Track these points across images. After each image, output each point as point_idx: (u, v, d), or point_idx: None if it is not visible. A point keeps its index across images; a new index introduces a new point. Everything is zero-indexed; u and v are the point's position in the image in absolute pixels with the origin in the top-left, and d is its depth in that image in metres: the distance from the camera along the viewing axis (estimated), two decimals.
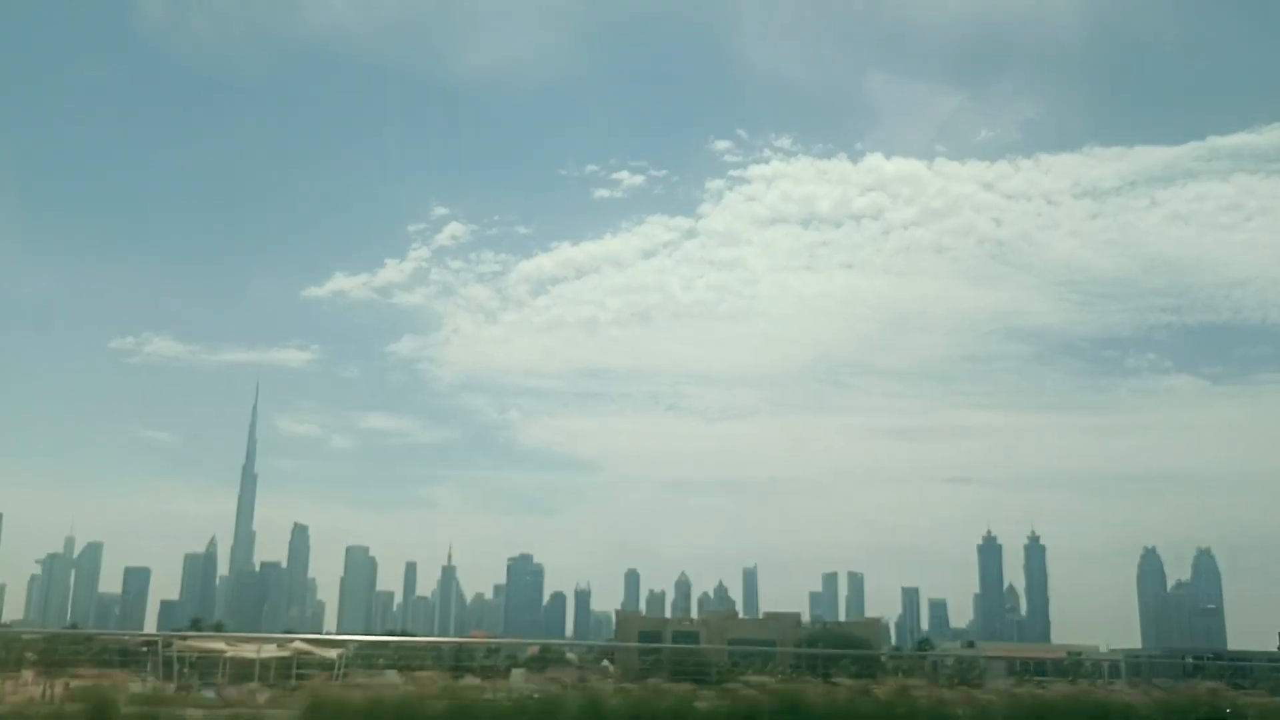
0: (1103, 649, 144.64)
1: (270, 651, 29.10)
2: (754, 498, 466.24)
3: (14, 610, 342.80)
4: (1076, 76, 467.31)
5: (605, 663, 52.97)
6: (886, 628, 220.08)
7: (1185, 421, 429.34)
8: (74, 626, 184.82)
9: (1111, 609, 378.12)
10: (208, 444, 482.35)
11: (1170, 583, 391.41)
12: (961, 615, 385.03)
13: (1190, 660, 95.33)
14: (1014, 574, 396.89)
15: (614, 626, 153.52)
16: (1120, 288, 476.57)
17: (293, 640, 28.85)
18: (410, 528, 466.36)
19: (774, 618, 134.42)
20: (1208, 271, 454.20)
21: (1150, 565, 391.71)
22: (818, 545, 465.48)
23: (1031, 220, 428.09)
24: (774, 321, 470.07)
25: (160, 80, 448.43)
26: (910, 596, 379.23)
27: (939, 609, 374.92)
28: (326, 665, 26.76)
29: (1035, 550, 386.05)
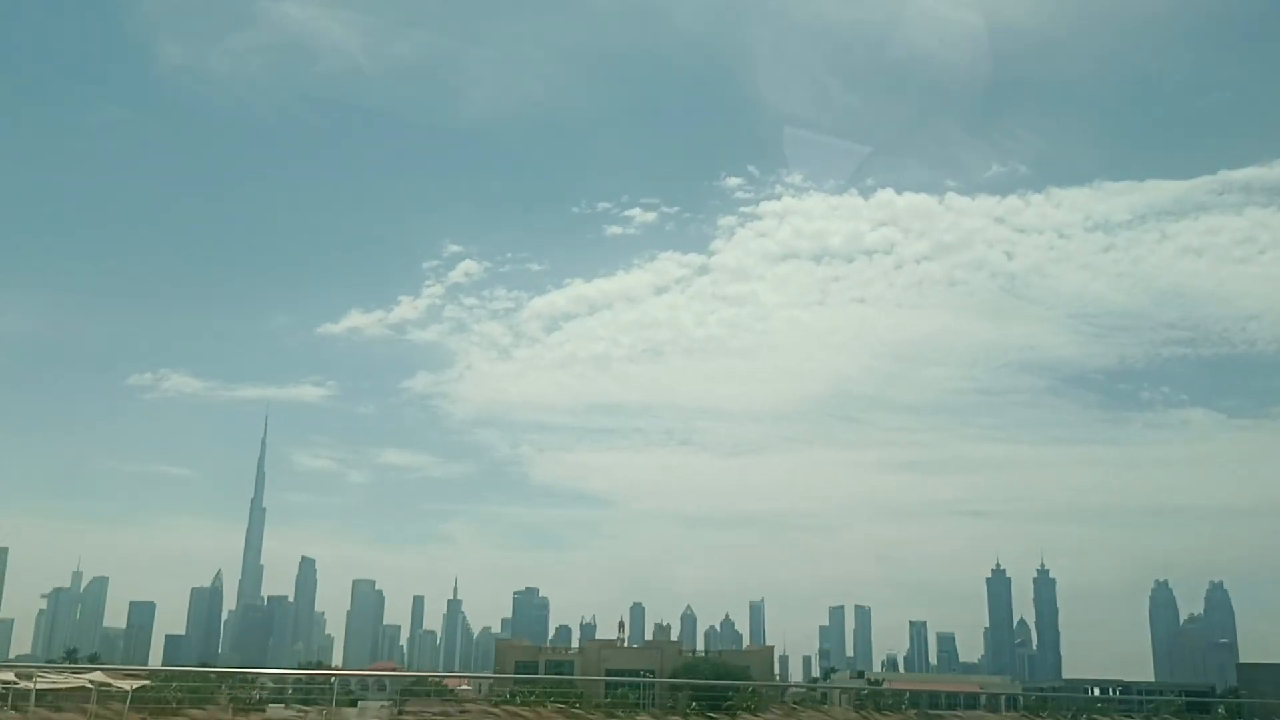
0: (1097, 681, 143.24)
1: (62, 683, 28.35)
2: (766, 532, 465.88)
3: (21, 645, 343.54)
4: (1086, 111, 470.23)
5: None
6: (786, 658, 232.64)
7: (1200, 454, 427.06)
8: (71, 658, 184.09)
9: (1124, 643, 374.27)
10: (220, 479, 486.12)
11: (1183, 616, 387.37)
12: (973, 649, 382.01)
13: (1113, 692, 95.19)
14: (1024, 608, 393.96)
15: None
16: (1133, 320, 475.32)
17: (93, 671, 28.31)
18: (424, 562, 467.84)
19: (654, 646, 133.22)
20: (1221, 304, 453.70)
21: (1162, 598, 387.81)
22: (828, 579, 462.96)
23: (1043, 254, 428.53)
24: (786, 356, 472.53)
25: (179, 122, 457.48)
26: (918, 630, 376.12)
27: (947, 642, 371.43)
28: (120, 697, 26.04)
29: (1045, 583, 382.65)
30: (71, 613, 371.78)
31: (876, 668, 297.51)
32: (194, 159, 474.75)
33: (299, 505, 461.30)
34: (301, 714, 16.57)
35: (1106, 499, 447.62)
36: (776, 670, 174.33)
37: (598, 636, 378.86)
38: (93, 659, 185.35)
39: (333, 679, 33.11)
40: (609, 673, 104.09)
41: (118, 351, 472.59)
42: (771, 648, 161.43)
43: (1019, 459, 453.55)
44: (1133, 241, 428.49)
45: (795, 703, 30.90)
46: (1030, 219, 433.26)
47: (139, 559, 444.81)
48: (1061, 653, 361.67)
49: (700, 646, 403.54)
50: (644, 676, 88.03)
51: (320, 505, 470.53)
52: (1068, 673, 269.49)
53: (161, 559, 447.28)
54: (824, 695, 35.05)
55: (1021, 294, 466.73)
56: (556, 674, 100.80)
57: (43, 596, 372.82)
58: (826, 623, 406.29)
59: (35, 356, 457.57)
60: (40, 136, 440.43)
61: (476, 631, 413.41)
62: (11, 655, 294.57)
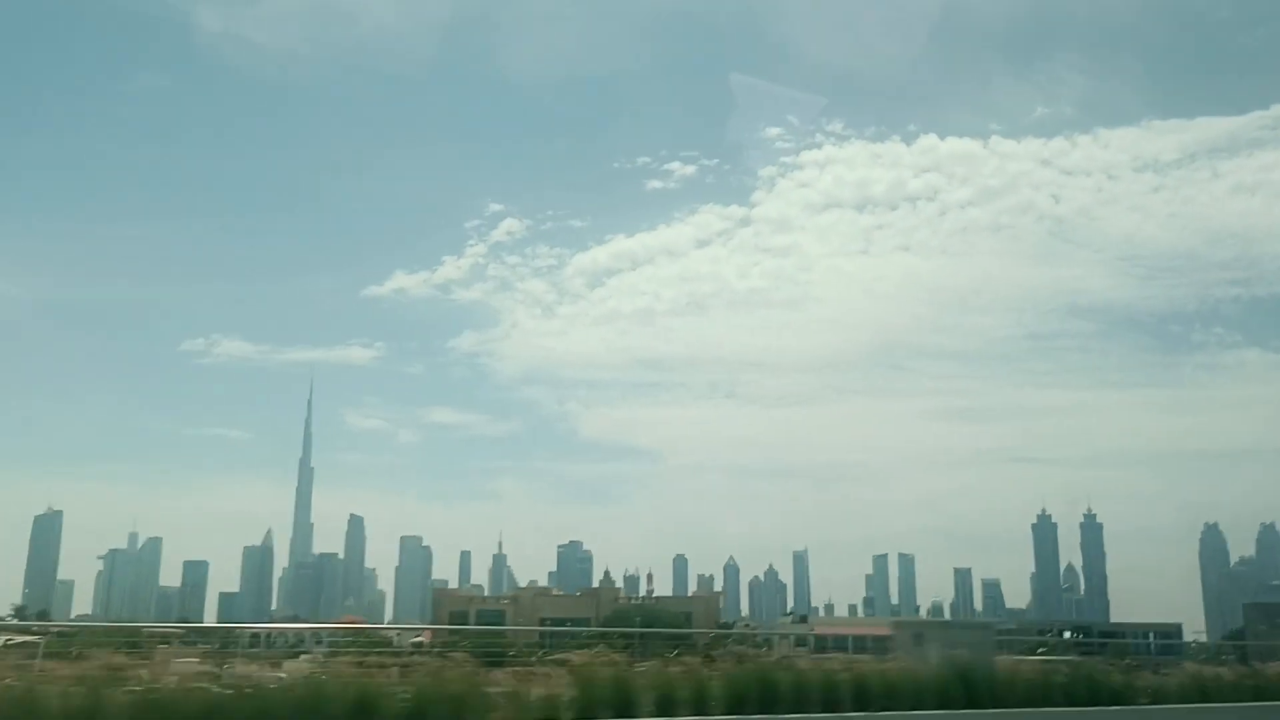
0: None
1: None
2: (812, 483, 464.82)
3: (82, 605, 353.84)
4: (1132, 48, 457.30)
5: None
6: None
7: (1253, 396, 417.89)
8: (132, 619, 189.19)
9: (1173, 586, 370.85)
10: (271, 441, 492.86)
11: (1234, 559, 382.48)
12: (1019, 596, 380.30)
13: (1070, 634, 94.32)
14: (1071, 553, 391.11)
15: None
16: (1184, 261, 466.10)
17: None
18: (473, 518, 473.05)
19: (591, 594, 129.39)
20: (1277, 242, 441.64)
21: (1212, 541, 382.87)
22: (873, 528, 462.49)
23: (1091, 196, 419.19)
24: (830, 307, 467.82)
25: (220, 89, 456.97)
26: (963, 577, 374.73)
27: (992, 589, 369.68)
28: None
29: (1091, 528, 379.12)
30: (128, 573, 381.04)
31: (922, 614, 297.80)
32: (235, 126, 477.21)
33: (352, 465, 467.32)
34: (199, 663, 16.25)
35: (1157, 443, 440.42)
36: (735, 615, 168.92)
37: (642, 589, 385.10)
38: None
39: (269, 632, 33.50)
40: (543, 621, 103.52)
41: (170, 317, 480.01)
42: (718, 594, 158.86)
43: (1068, 404, 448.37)
44: (1183, 181, 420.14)
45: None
46: (1077, 161, 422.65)
47: (193, 519, 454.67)
48: (1109, 597, 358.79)
49: (745, 598, 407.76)
50: (579, 624, 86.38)
51: (373, 464, 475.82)
52: (1116, 617, 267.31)
53: (214, 519, 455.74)
54: (765, 640, 34.67)
55: (1069, 237, 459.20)
56: (489, 624, 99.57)
57: (99, 558, 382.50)
58: (871, 571, 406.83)
59: (90, 324, 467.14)
60: (84, 106, 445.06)
61: (523, 584, 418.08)
62: (73, 615, 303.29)
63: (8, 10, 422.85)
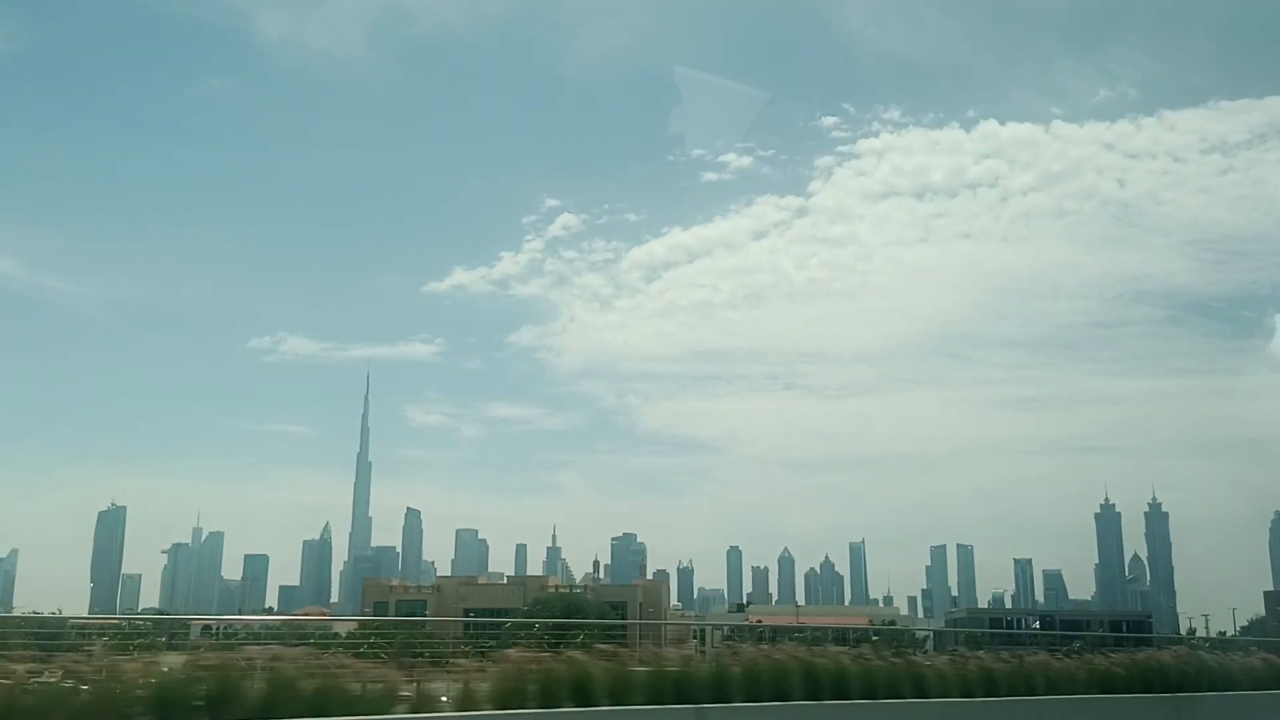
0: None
1: None
2: (872, 474, 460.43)
3: (149, 598, 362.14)
4: (1198, 27, 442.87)
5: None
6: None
7: None
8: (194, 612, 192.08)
9: (1242, 576, 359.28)
10: (332, 436, 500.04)
11: None
12: (1083, 587, 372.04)
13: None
14: (1136, 543, 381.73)
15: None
16: (1255, 244, 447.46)
17: None
18: (537, 512, 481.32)
19: (519, 583, 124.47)
20: None
21: None
22: (933, 519, 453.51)
23: (1157, 179, 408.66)
24: (890, 296, 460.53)
25: (282, 92, 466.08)
26: (1023, 568, 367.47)
27: (1054, 580, 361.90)
28: None
29: (1156, 518, 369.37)
30: (191, 566, 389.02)
31: (982, 605, 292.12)
32: (298, 127, 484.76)
33: (415, 459, 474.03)
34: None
35: (1226, 430, 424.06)
36: (677, 604, 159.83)
37: (696, 581, 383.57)
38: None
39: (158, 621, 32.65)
40: (467, 611, 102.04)
41: (238, 317, 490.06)
42: (663, 582, 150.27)
43: (1136, 392, 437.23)
44: (1253, 162, 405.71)
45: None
46: (1142, 143, 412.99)
47: (254, 514, 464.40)
48: (1176, 587, 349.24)
49: (802, 589, 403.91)
50: (504, 615, 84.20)
51: (436, 459, 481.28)
52: (1183, 607, 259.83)
53: (276, 513, 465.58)
54: (699, 632, 32.83)
55: (1135, 222, 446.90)
56: (409, 614, 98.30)
57: (163, 552, 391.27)
58: (929, 563, 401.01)
59: (160, 324, 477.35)
60: (152, 112, 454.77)
61: (579, 576, 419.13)
62: (140, 608, 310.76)
63: (76, 21, 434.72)
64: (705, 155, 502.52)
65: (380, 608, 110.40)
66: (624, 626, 32.03)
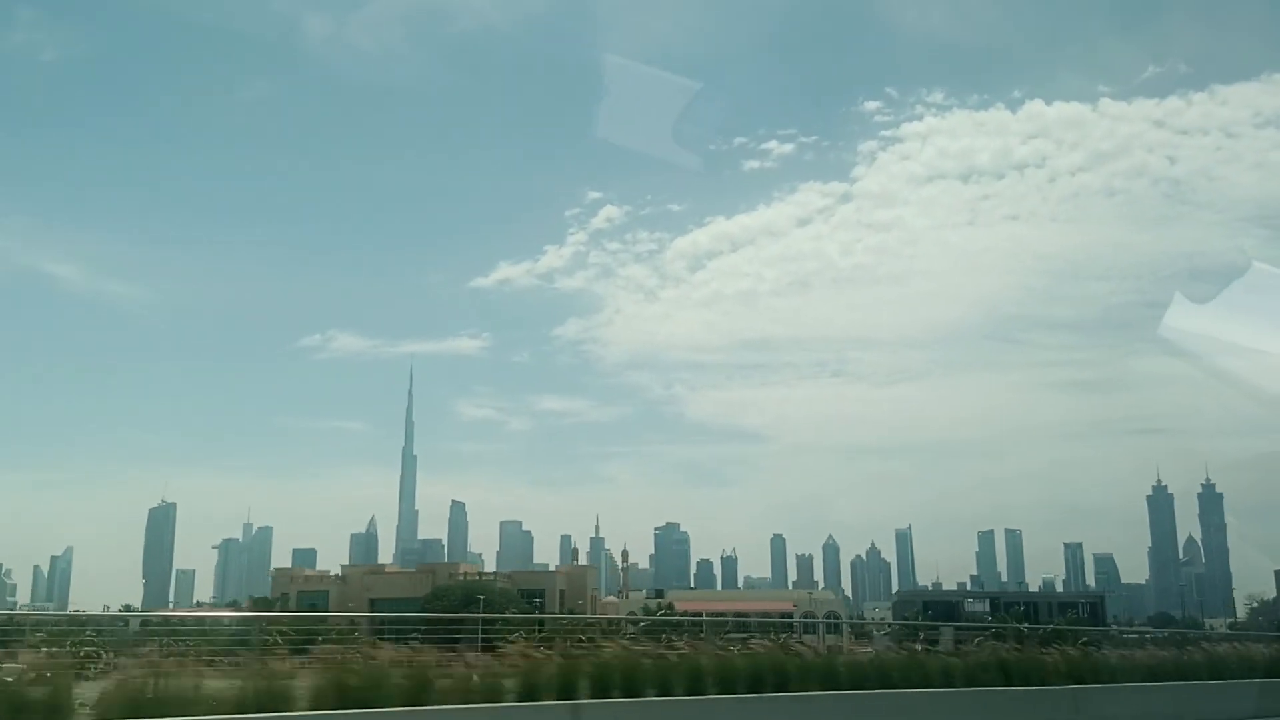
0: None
1: None
2: (923, 460, 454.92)
3: (203, 592, 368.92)
4: None
5: None
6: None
7: None
8: (232, 604, 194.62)
9: None
10: (380, 431, 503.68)
11: None
12: (1137, 570, 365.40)
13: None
14: (1190, 525, 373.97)
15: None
16: None
17: None
18: (587, 504, 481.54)
19: (427, 571, 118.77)
20: None
21: None
22: (983, 504, 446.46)
23: (1210, 155, 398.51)
24: (937, 281, 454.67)
25: (327, 94, 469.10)
26: (1073, 552, 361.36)
27: (1105, 563, 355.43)
28: None
29: (1210, 499, 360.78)
30: (241, 561, 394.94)
31: (1033, 589, 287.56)
32: (344, 129, 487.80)
33: (465, 453, 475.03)
34: None
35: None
36: (602, 592, 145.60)
37: (740, 569, 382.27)
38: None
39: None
40: (373, 602, 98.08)
41: (289, 316, 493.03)
42: (589, 568, 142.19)
43: (1189, 372, 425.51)
44: None
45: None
46: (1193, 119, 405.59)
47: (304, 509, 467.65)
48: (1232, 569, 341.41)
49: (847, 577, 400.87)
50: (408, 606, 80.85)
51: (486, 453, 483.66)
52: (1239, 586, 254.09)
53: (324, 508, 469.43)
54: (610, 624, 31.79)
55: (1187, 199, 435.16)
56: (309, 606, 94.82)
57: (214, 548, 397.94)
58: (978, 548, 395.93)
59: (213, 324, 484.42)
60: (200, 116, 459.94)
61: (623, 567, 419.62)
62: (194, 602, 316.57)
63: (125, 29, 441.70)
64: (747, 143, 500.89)
65: (284, 600, 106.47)
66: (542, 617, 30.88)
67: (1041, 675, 18.17)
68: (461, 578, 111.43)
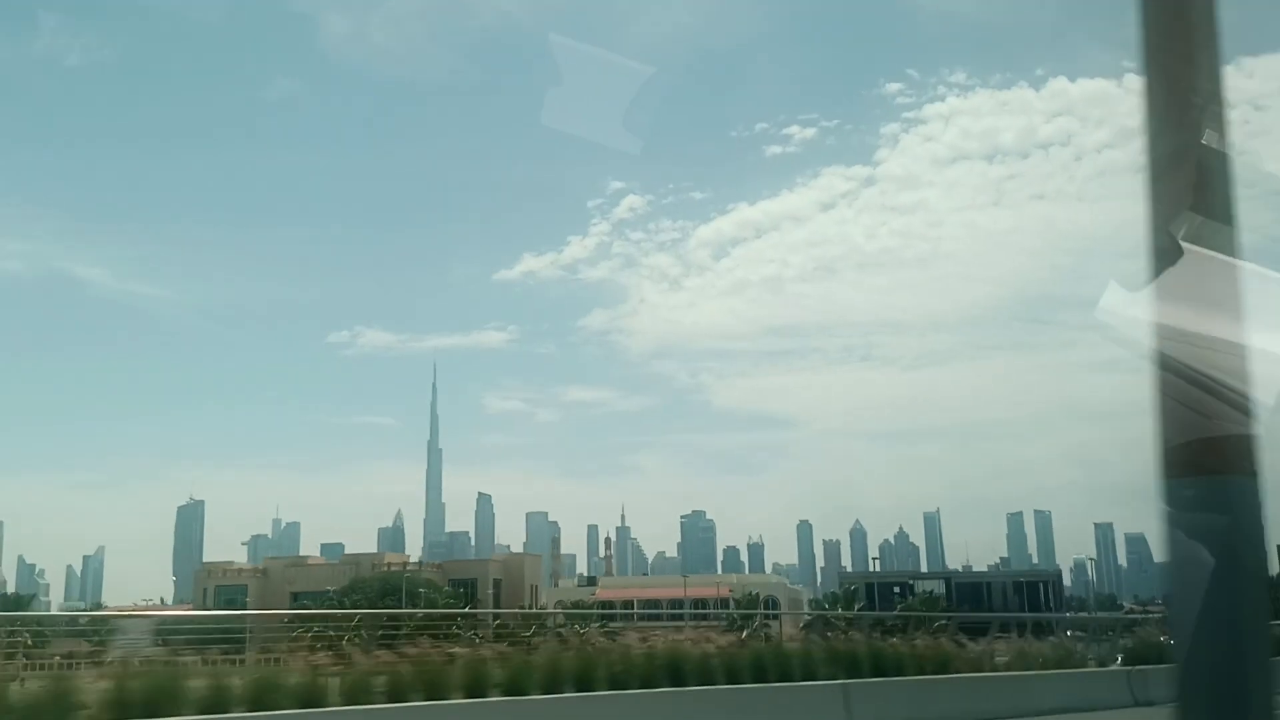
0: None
1: None
2: (952, 443, 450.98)
3: None
4: None
5: None
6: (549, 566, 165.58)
7: None
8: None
9: None
10: (408, 426, 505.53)
11: None
12: None
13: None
14: None
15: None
16: None
17: None
18: (615, 494, 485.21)
19: (351, 562, 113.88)
20: None
21: None
22: (1013, 486, 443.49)
23: (1238, 128, 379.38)
24: (964, 262, 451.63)
25: (349, 91, 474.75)
26: (1104, 532, 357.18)
27: (1137, 543, 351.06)
28: None
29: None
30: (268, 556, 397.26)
31: (1065, 572, 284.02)
32: (367, 125, 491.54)
33: (494, 445, 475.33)
34: None
35: None
36: (547, 581, 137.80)
37: (768, 556, 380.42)
38: None
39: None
40: (295, 595, 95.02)
41: (317, 313, 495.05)
42: (529, 556, 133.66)
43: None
44: None
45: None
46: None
47: (332, 504, 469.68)
48: (1268, 549, 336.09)
49: (876, 557, 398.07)
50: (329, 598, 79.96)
51: (514, 445, 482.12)
52: (1276, 568, 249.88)
53: (352, 502, 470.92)
54: (526, 618, 30.29)
55: None
56: (228, 602, 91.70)
57: (243, 545, 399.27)
58: (1007, 530, 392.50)
59: (244, 323, 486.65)
60: (225, 116, 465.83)
61: (651, 556, 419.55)
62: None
63: (150, 33, 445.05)
64: (769, 129, 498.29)
65: (204, 598, 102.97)
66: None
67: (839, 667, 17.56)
68: (386, 568, 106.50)
